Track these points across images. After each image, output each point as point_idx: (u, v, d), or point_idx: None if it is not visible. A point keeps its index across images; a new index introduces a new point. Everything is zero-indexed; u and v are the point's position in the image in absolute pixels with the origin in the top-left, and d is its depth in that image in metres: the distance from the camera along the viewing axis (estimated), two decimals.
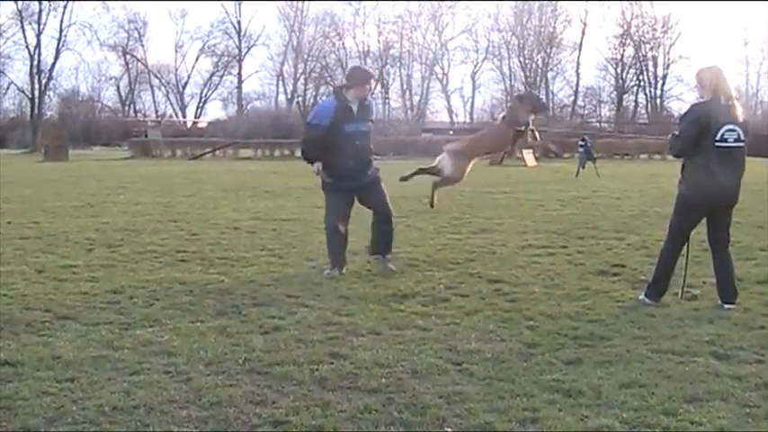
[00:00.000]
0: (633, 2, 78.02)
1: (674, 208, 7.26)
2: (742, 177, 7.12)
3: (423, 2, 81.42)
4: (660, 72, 79.93)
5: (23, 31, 73.80)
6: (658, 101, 78.68)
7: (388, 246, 8.80)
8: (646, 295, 7.25)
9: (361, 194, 8.68)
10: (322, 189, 8.79)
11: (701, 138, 6.81)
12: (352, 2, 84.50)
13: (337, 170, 8.49)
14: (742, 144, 6.93)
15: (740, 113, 6.93)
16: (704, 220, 7.25)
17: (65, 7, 73.35)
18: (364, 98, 8.66)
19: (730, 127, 6.82)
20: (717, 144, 6.81)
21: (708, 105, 6.88)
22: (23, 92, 77.06)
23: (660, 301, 7.14)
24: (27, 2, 72.64)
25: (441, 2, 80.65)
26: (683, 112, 7.22)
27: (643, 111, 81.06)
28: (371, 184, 8.69)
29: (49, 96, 77.75)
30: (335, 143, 8.37)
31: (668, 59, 79.79)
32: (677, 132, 7.00)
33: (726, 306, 7.01)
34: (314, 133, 8.54)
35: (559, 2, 79.70)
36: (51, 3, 72.86)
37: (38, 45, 73.40)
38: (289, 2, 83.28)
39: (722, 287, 7.15)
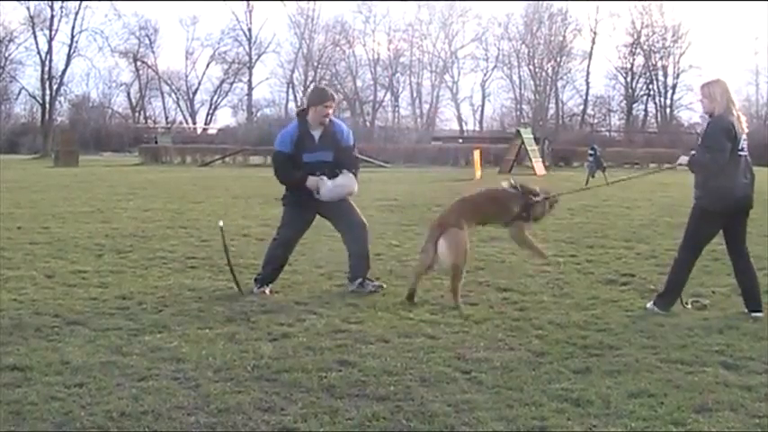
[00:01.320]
0: (643, 11, 77.92)
1: (692, 218, 7.23)
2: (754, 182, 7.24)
3: (433, 1, 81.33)
4: (670, 81, 79.76)
5: (35, 37, 74.21)
6: (668, 110, 78.53)
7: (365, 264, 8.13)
8: (655, 304, 7.23)
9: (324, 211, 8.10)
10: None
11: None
12: (363, 10, 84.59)
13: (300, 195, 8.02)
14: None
15: (745, 124, 7.16)
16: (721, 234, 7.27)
17: (76, 13, 73.75)
18: (326, 123, 7.94)
19: (744, 137, 7.07)
20: (739, 153, 7.00)
21: (730, 117, 6.97)
22: (35, 97, 77.41)
23: (670, 311, 7.12)
24: (39, 2, 72.98)
25: (452, 2, 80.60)
26: (708, 127, 7.12)
27: (653, 120, 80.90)
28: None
29: (59, 102, 78.07)
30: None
31: (678, 69, 79.64)
32: (708, 145, 6.97)
33: (753, 315, 7.01)
34: (280, 159, 8.04)
35: (570, 9, 79.67)
36: (63, 9, 73.20)
37: (49, 51, 73.75)
38: (299, 9, 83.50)
39: (749, 296, 7.15)
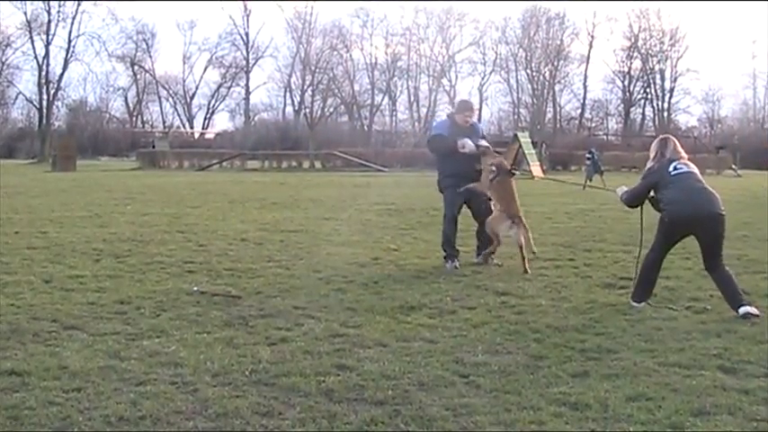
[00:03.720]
0: (641, 15, 78.09)
1: (657, 225, 7.64)
2: None
3: (431, 4, 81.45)
4: (668, 85, 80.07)
5: (32, 42, 74.32)
6: (665, 114, 78.77)
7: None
8: (631, 298, 7.64)
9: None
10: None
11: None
12: (360, 14, 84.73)
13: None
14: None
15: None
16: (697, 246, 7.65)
17: (73, 18, 73.86)
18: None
19: (680, 161, 7.68)
20: (672, 174, 7.55)
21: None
22: (32, 102, 77.52)
23: (643, 304, 7.44)
24: (37, 3, 72.92)
25: (450, 6, 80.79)
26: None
27: (650, 124, 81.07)
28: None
29: (57, 107, 78.18)
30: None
31: (676, 72, 79.94)
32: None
33: (741, 310, 7.09)
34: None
35: (567, 13, 79.89)
36: (60, 13, 73.24)
37: (46, 56, 73.90)
38: (297, 13, 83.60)
39: (731, 298, 7.26)
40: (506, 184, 9.76)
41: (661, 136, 8.10)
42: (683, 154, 7.73)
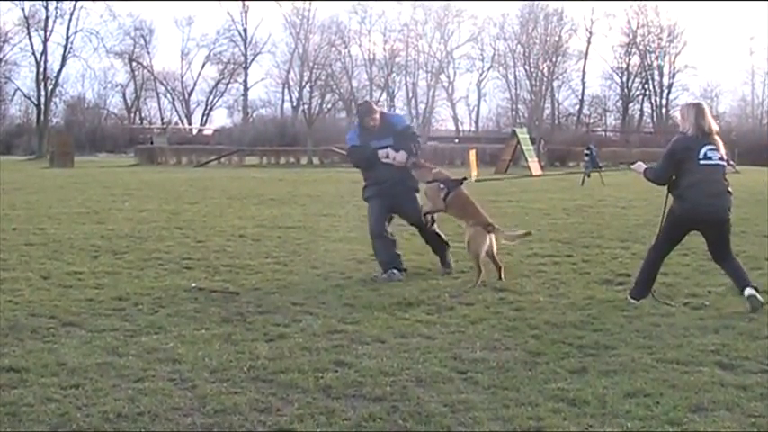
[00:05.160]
0: (639, 11, 78.06)
1: (665, 220, 7.52)
2: None
3: (428, 1, 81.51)
4: (666, 81, 80.00)
5: (30, 38, 74.13)
6: (663, 110, 78.81)
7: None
8: (629, 295, 7.59)
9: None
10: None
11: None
12: (358, 10, 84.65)
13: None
14: None
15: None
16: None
17: (71, 14, 73.70)
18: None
19: (712, 147, 7.30)
20: (700, 163, 7.25)
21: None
22: (29, 98, 77.32)
23: (640, 301, 7.41)
24: (34, 2, 72.81)
25: (448, 3, 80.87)
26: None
27: (648, 120, 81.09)
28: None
29: (55, 103, 78.03)
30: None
31: (674, 69, 79.90)
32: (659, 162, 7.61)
33: (746, 292, 7.15)
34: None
35: (565, 9, 79.87)
36: (58, 10, 73.09)
37: (44, 52, 73.70)
38: (295, 10, 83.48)
39: (738, 279, 7.34)
40: (462, 197, 8.86)
41: (694, 102, 7.66)
42: (715, 127, 7.33)
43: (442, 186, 8.78)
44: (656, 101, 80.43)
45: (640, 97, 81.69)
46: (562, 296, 7.90)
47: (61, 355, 5.71)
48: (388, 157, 8.84)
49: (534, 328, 6.55)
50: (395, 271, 8.75)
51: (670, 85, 79.80)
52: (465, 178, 9.23)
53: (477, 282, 8.26)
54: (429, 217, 9.05)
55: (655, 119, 79.94)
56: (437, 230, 9.21)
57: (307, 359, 5.67)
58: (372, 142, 8.92)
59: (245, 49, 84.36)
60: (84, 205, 17.88)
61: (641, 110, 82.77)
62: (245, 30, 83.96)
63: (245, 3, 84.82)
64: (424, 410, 4.67)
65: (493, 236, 8.60)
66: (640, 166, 7.80)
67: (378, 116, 9.03)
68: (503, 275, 8.60)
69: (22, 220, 14.58)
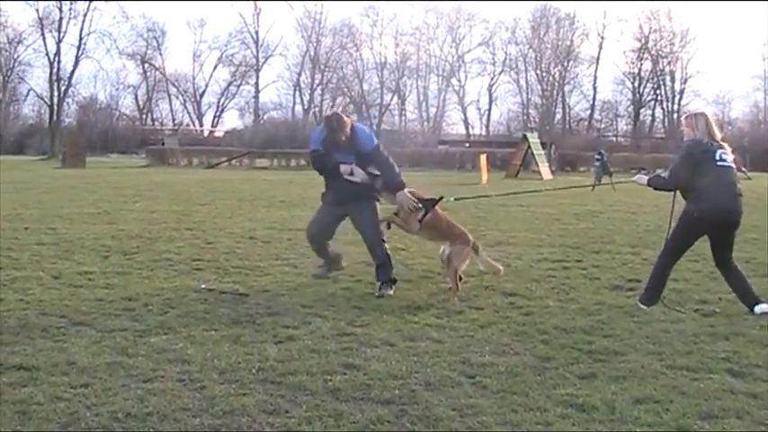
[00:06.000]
0: (651, 16, 77.90)
1: (678, 224, 7.52)
2: None
3: (440, 4, 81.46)
4: (678, 86, 79.74)
5: (44, 39, 74.63)
6: (675, 115, 78.57)
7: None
8: (639, 300, 7.59)
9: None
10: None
11: None
12: (370, 13, 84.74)
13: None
14: None
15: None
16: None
17: (85, 15, 74.04)
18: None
19: (726, 150, 7.37)
20: (718, 164, 7.28)
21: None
22: (42, 99, 77.80)
23: (651, 307, 7.39)
24: (49, 2, 73.01)
25: (460, 6, 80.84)
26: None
27: (660, 125, 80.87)
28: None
29: (67, 104, 78.43)
30: None
31: (686, 74, 79.63)
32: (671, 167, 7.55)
33: (757, 309, 7.17)
34: None
35: (577, 14, 79.78)
36: (72, 11, 73.43)
37: (57, 53, 74.12)
38: (306, 12, 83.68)
39: (744, 295, 7.35)
40: (437, 217, 8.31)
41: (699, 111, 7.71)
42: (720, 135, 7.40)
43: (419, 206, 8.16)
44: (667, 106, 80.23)
45: (652, 102, 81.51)
46: (572, 301, 7.88)
47: (71, 355, 5.72)
48: (352, 174, 8.22)
49: (543, 333, 6.53)
50: (336, 265, 8.80)
51: (682, 91, 79.64)
52: (441, 197, 8.57)
53: (454, 298, 7.79)
54: (386, 224, 8.49)
55: (666, 124, 79.73)
56: (389, 256, 8.49)
57: (315, 361, 5.67)
58: (336, 154, 8.26)
59: (257, 51, 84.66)
60: (95, 205, 17.94)
61: (653, 115, 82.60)
62: (256, 32, 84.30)
63: (257, 5, 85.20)
64: (432, 414, 4.66)
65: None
66: (641, 178, 7.88)
67: (348, 130, 8.20)
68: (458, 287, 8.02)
69: (34, 219, 14.64)
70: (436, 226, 8.28)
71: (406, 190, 8.29)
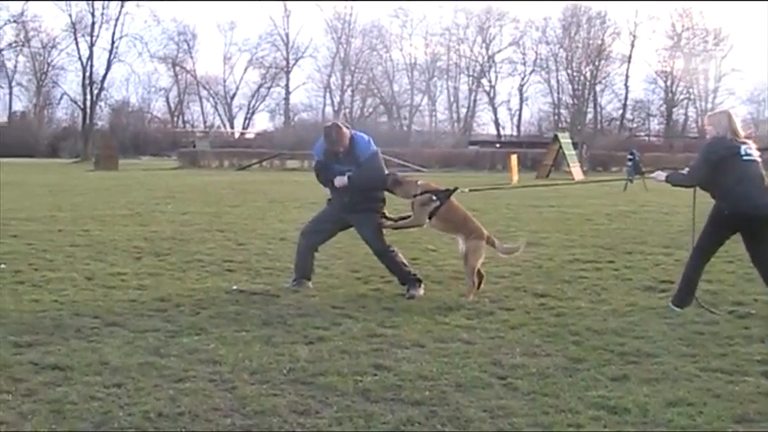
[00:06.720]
0: (684, 14, 77.15)
1: (707, 221, 7.43)
2: None
3: (470, 4, 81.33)
4: (711, 85, 78.91)
5: (77, 44, 75.52)
6: (709, 113, 77.74)
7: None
8: (672, 302, 7.52)
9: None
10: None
11: None
12: (400, 14, 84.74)
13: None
14: None
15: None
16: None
17: (117, 20, 74.79)
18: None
19: (751, 145, 7.38)
20: (743, 159, 7.27)
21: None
22: (76, 102, 78.67)
23: (684, 309, 7.30)
24: (83, 2, 73.83)
25: (490, 6, 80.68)
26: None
27: (693, 124, 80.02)
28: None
29: (100, 107, 79.31)
30: None
31: (720, 72, 78.76)
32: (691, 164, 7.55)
33: None
34: None
35: (608, 12, 79.23)
36: (104, 15, 74.23)
37: (90, 57, 74.92)
38: (336, 14, 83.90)
39: None
40: (452, 208, 8.27)
41: (724, 110, 7.74)
42: (743, 132, 7.40)
43: (433, 198, 8.14)
44: (701, 105, 79.43)
45: (685, 101, 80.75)
46: (603, 302, 7.83)
47: (104, 355, 5.78)
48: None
49: (575, 335, 6.49)
50: (306, 281, 8.44)
51: (716, 89, 78.85)
52: (456, 188, 8.50)
53: (471, 295, 7.87)
54: (388, 223, 8.44)
55: (699, 123, 78.88)
56: (402, 261, 8.38)
57: (346, 362, 5.67)
58: (337, 165, 8.25)
59: (287, 53, 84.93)
60: (127, 207, 18.09)
61: (686, 114, 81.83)
62: (286, 34, 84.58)
63: (287, 7, 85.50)
64: (462, 416, 4.65)
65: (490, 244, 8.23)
66: (660, 174, 7.78)
67: (347, 141, 8.18)
68: (482, 286, 8.17)
69: (68, 221, 14.80)
70: (450, 218, 8.23)
71: (419, 182, 8.37)
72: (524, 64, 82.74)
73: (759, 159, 7.37)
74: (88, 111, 75.26)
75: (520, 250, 8.64)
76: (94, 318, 6.96)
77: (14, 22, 74.76)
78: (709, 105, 77.73)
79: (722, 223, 7.30)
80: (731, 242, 7.51)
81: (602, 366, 5.63)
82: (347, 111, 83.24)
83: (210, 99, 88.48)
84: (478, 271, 8.15)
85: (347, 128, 8.35)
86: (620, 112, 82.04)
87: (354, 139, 8.30)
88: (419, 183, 8.37)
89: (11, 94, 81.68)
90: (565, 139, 42.23)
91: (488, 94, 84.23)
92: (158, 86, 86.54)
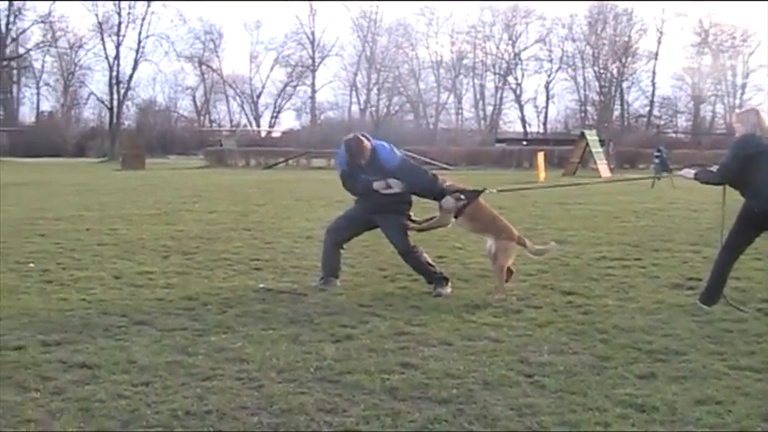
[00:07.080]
0: (711, 10, 76.52)
1: (736, 218, 7.34)
2: None
3: (496, 2, 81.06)
4: (739, 81, 78.18)
5: (103, 44, 76.20)
6: (737, 111, 77.07)
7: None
8: (699, 300, 7.44)
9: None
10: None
11: None
12: (426, 12, 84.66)
13: None
14: None
15: None
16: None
17: (143, 19, 75.33)
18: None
19: None
20: None
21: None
22: (103, 102, 79.38)
23: (711, 307, 7.23)
24: (110, 2, 74.42)
25: (516, 4, 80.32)
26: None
27: (721, 121, 79.34)
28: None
29: (127, 106, 79.96)
30: None
31: (747, 69, 78.03)
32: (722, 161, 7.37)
33: None
34: None
35: (635, 9, 78.66)
36: (130, 15, 74.78)
37: (117, 56, 75.59)
38: (362, 12, 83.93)
39: None
40: (479, 207, 8.24)
41: (752, 108, 7.67)
42: None
43: (461, 197, 8.10)
44: (729, 101, 78.73)
45: (713, 98, 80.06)
46: (631, 300, 7.78)
47: (132, 353, 5.82)
48: (389, 187, 8.18)
49: (602, 333, 6.46)
50: (333, 279, 8.46)
51: (744, 86, 78.12)
52: (484, 189, 8.50)
53: (497, 294, 7.84)
54: (413, 225, 8.46)
55: (728, 120, 78.18)
56: (427, 260, 8.36)
57: (373, 360, 5.68)
58: (362, 176, 8.24)
59: (313, 51, 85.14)
60: (154, 206, 18.21)
61: (713, 111, 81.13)
62: (312, 33, 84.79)
63: (313, 6, 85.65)
64: (489, 414, 4.64)
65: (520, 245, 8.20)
66: (688, 172, 7.73)
67: (368, 154, 8.18)
68: (510, 282, 8.18)
69: (95, 220, 14.92)
70: (478, 217, 8.20)
71: (446, 183, 8.29)
72: (551, 61, 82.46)
73: None
74: (115, 110, 75.91)
75: (549, 251, 8.72)
76: (122, 316, 7.01)
77: (42, 22, 75.60)
78: (737, 101, 77.05)
79: (752, 221, 7.21)
80: (760, 239, 7.43)
81: (630, 364, 5.59)
82: (373, 109, 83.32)
83: (237, 98, 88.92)
84: (509, 267, 8.15)
85: (368, 139, 8.32)
86: (647, 108, 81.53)
87: (376, 149, 8.28)
88: (446, 184, 8.29)
89: (38, 94, 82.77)
90: (592, 136, 42.03)
91: (515, 91, 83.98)
92: (185, 85, 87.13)
